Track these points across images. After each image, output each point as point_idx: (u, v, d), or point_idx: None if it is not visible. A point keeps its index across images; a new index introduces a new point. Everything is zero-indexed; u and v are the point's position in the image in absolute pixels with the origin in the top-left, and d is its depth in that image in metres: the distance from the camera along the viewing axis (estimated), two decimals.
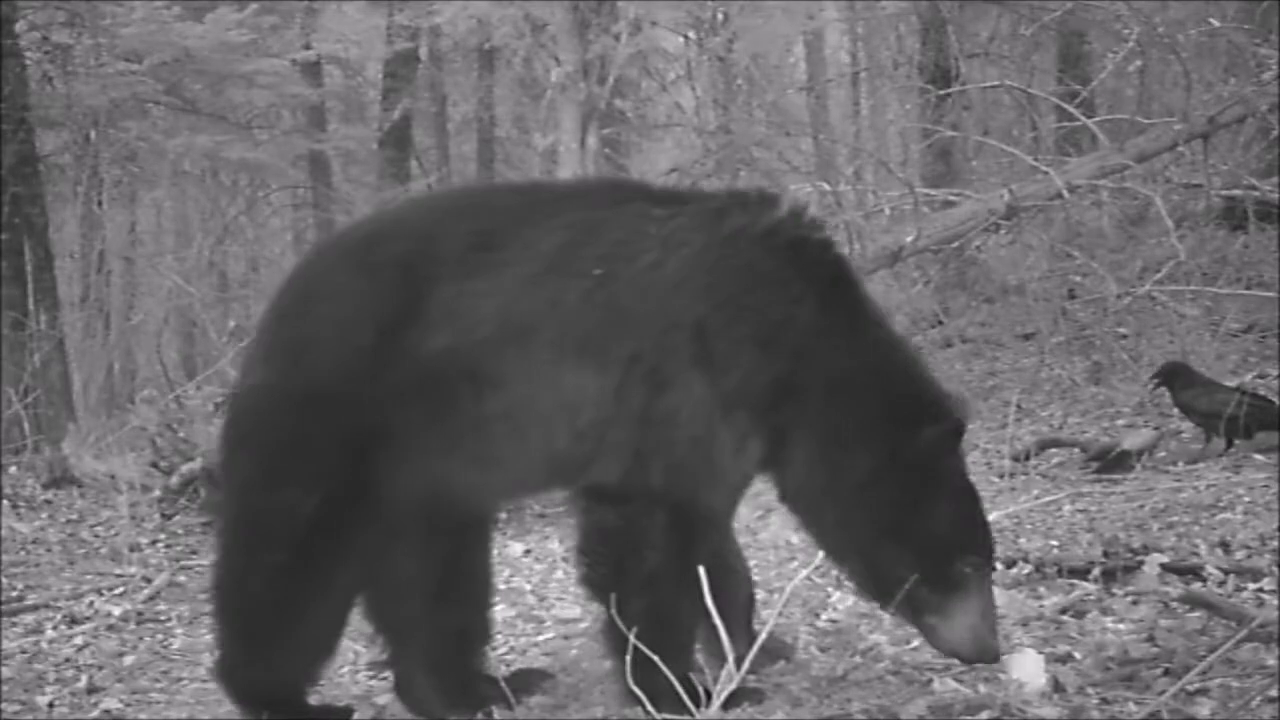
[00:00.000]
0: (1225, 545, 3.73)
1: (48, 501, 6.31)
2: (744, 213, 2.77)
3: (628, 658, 2.47)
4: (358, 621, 3.92)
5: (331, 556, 2.72)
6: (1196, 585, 3.34)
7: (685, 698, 2.44)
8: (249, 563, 2.78)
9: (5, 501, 6.11)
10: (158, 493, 6.06)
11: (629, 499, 2.66)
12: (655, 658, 2.47)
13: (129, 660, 3.79)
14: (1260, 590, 3.28)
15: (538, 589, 4.12)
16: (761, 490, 2.99)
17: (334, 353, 2.71)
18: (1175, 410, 5.92)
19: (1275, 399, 5.50)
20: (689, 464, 2.67)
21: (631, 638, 2.48)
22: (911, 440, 2.66)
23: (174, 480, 6.05)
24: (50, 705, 3.44)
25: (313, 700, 2.97)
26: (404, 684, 2.98)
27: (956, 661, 2.77)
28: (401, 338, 2.67)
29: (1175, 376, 5.39)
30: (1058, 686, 2.67)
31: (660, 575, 2.65)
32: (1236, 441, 5.11)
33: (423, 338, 2.67)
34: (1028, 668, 2.73)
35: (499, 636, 3.61)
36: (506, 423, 2.69)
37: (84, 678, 3.62)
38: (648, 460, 2.65)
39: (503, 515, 5.92)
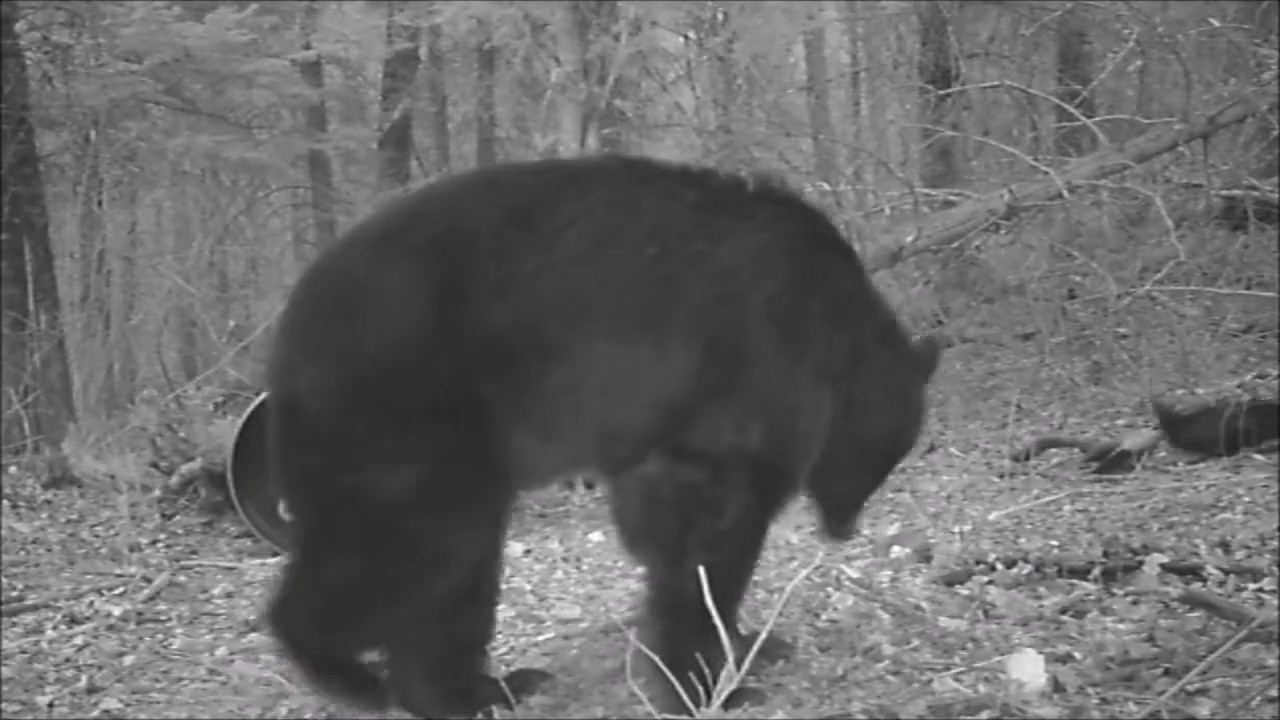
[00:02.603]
0: (1225, 545, 3.73)
1: (48, 501, 6.31)
2: (778, 204, 2.96)
3: (682, 617, 2.58)
4: None
5: (407, 542, 2.72)
6: (1196, 585, 3.33)
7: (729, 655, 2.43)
8: (331, 554, 2.79)
9: (5, 501, 6.11)
10: (158, 493, 6.07)
11: (719, 460, 2.73)
12: (715, 613, 2.48)
13: (129, 660, 3.79)
14: (1260, 590, 3.28)
15: (538, 589, 4.13)
16: None
17: (393, 336, 2.67)
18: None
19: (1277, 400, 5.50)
20: (785, 430, 2.79)
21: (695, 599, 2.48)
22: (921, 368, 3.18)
23: (174, 480, 6.06)
24: (50, 705, 3.44)
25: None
26: (402, 684, 2.97)
27: (957, 661, 2.77)
28: (458, 315, 2.66)
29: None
30: (1058, 686, 2.67)
31: (737, 532, 2.76)
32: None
33: (479, 314, 2.66)
34: (1028, 668, 2.73)
35: (499, 636, 3.62)
36: (570, 396, 2.71)
37: (84, 678, 3.62)
38: (746, 426, 2.74)
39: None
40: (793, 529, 4.33)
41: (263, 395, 5.60)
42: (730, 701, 2.52)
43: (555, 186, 2.85)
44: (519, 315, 2.68)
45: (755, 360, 2.75)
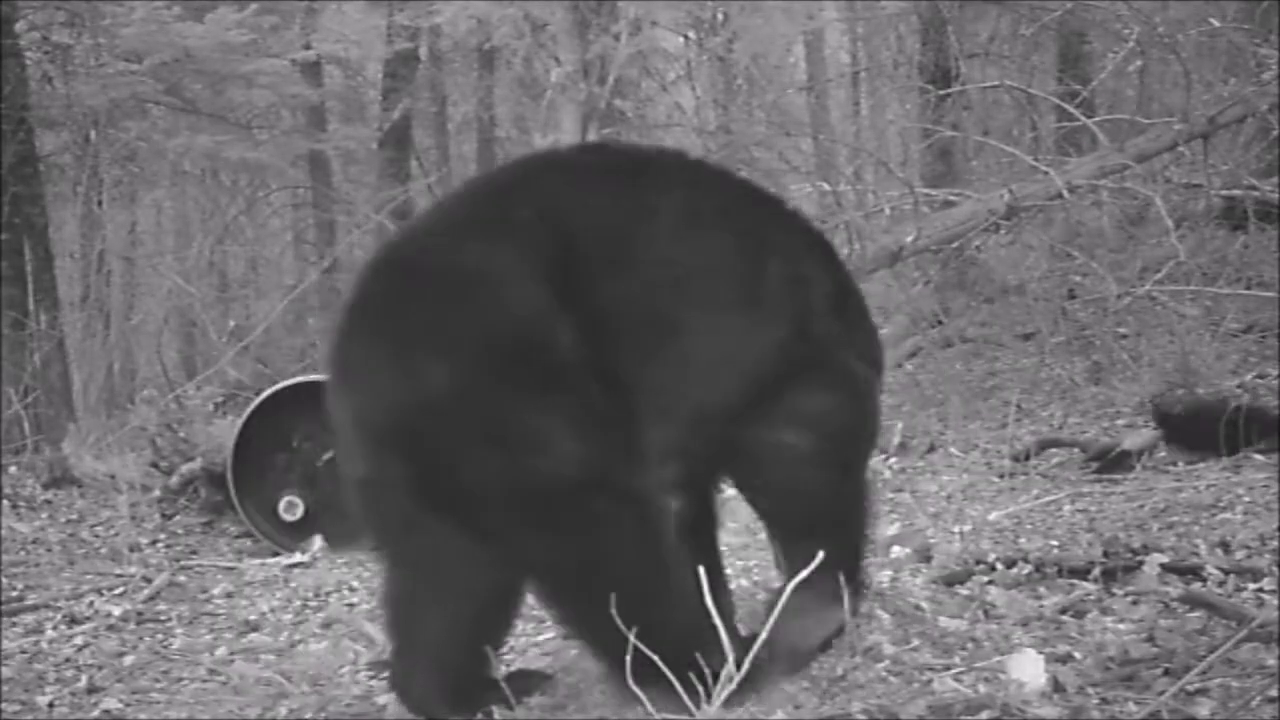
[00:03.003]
0: (1225, 545, 3.72)
1: (48, 501, 6.31)
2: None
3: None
4: (357, 622, 3.95)
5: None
6: (1196, 585, 3.33)
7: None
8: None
9: (5, 501, 6.11)
10: (158, 493, 6.07)
11: (822, 426, 2.87)
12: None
13: (129, 660, 3.78)
14: (1260, 590, 3.28)
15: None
16: None
17: (522, 316, 2.60)
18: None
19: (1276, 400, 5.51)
20: (866, 399, 3.00)
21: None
22: None
23: (174, 480, 6.06)
24: (50, 705, 3.43)
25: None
26: (403, 680, 2.95)
27: (957, 661, 2.77)
28: (576, 289, 2.61)
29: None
30: (1058, 686, 2.67)
31: (855, 493, 3.03)
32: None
33: (596, 287, 2.64)
34: (1028, 668, 2.73)
35: None
36: (681, 369, 2.72)
37: (84, 678, 3.62)
38: (837, 395, 2.91)
39: None
40: None
41: (263, 395, 5.62)
42: (737, 696, 2.52)
43: (623, 166, 2.92)
44: (633, 286, 2.67)
45: (827, 343, 2.89)
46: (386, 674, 3.10)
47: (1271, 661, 2.63)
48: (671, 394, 2.71)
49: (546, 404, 2.57)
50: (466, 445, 2.56)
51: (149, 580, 4.75)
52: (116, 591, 4.63)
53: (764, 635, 2.51)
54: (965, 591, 3.47)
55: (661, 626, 2.51)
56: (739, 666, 2.44)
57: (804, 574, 2.55)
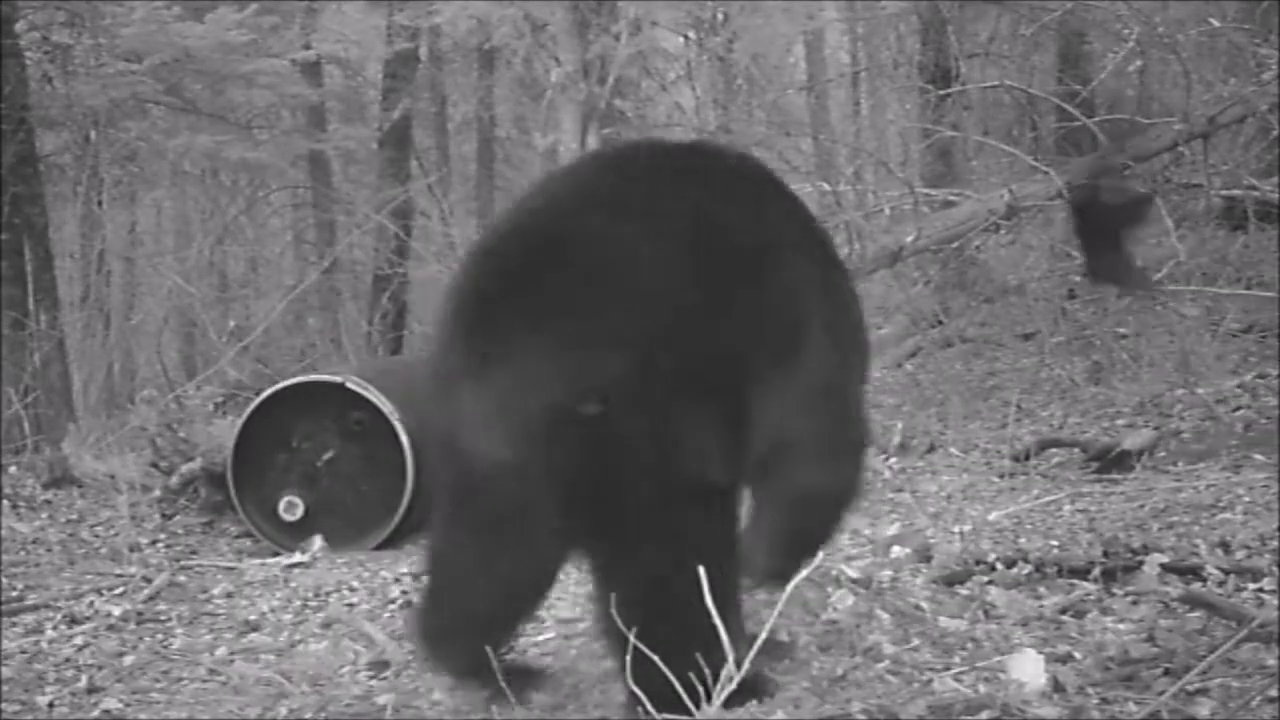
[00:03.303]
0: (1225, 545, 3.73)
1: (48, 501, 6.31)
2: None
3: None
4: (357, 622, 3.95)
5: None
6: (1196, 585, 3.34)
7: None
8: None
9: (5, 501, 6.11)
10: (158, 493, 6.07)
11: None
12: None
13: (129, 660, 3.78)
14: (1260, 590, 3.28)
15: None
16: None
17: (682, 309, 2.56)
18: (1175, 410, 5.93)
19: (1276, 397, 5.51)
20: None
21: None
22: None
23: (174, 480, 6.06)
24: (50, 705, 3.43)
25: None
26: (438, 635, 2.95)
27: (957, 661, 2.77)
28: (724, 289, 2.62)
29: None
30: (1058, 686, 2.67)
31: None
32: None
33: (742, 285, 2.65)
34: (1028, 668, 2.73)
35: None
36: (805, 376, 2.81)
37: (84, 678, 3.62)
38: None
39: None
40: None
41: (263, 395, 5.62)
42: (738, 697, 2.51)
43: (751, 174, 3.02)
44: (776, 290, 2.70)
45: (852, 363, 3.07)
46: (386, 674, 3.10)
47: (1271, 661, 2.63)
48: (774, 407, 2.68)
49: (706, 409, 2.55)
50: (632, 440, 2.50)
51: (149, 580, 4.74)
52: (116, 591, 4.62)
53: (762, 637, 2.51)
54: (965, 591, 3.47)
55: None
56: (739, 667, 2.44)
57: (804, 572, 2.55)
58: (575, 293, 2.55)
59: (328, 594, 4.45)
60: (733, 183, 2.88)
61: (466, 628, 2.88)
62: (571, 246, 2.61)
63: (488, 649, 2.82)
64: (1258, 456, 5.02)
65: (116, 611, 4.29)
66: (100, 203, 10.79)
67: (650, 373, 2.49)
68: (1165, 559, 3.51)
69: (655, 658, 2.44)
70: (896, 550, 3.98)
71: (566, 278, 2.57)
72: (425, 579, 3.09)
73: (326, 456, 5.50)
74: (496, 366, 2.52)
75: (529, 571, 2.84)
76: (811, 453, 2.93)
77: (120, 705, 3.39)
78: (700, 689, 2.44)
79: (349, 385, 5.46)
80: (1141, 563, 3.49)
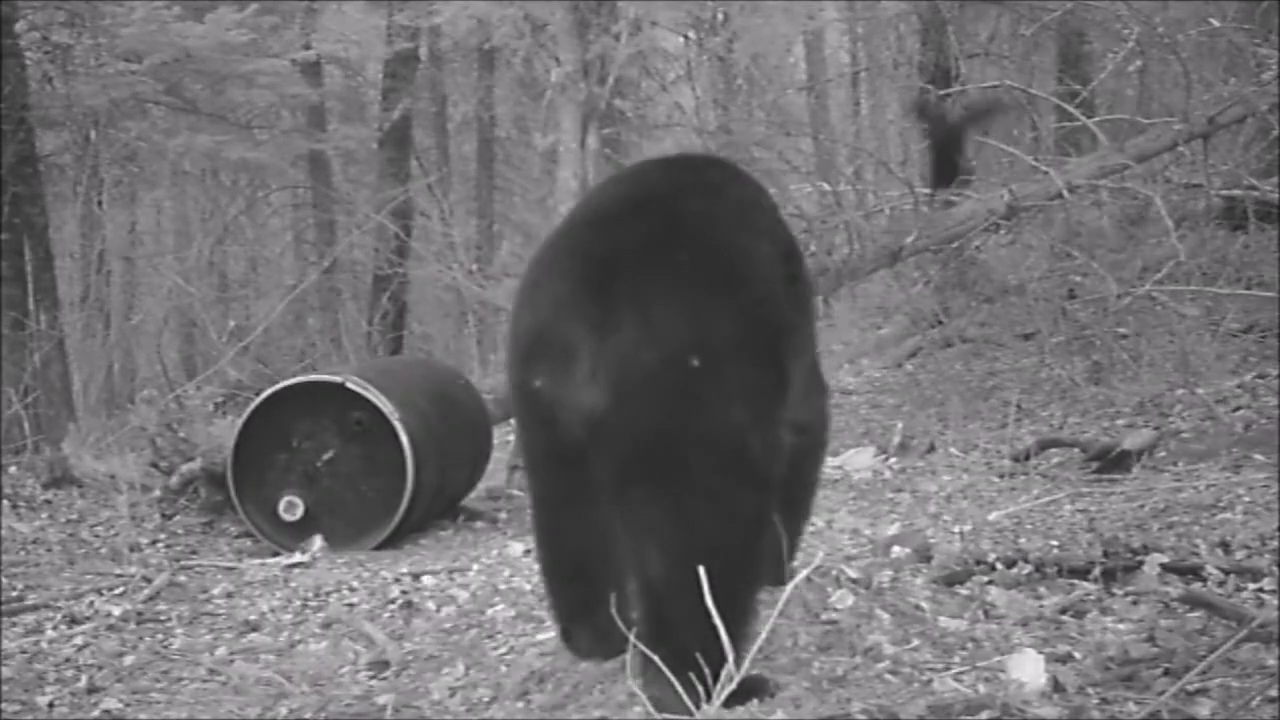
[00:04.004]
0: (1225, 545, 3.73)
1: (48, 501, 6.31)
2: None
3: None
4: (357, 622, 3.95)
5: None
6: (1196, 585, 3.34)
7: None
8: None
9: (5, 501, 6.10)
10: (158, 493, 6.07)
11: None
12: None
13: (129, 660, 3.79)
14: (1260, 590, 3.28)
15: (538, 589, 4.11)
16: None
17: (766, 297, 2.92)
18: (1175, 410, 5.94)
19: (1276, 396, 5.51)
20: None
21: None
22: None
23: (174, 480, 6.06)
24: (50, 705, 3.44)
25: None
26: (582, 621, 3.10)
27: (957, 661, 2.77)
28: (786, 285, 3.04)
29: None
30: (1058, 686, 2.67)
31: None
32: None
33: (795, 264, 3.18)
34: (1028, 668, 2.73)
35: (499, 636, 3.62)
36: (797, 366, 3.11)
37: (84, 678, 3.62)
38: None
39: (504, 514, 5.97)
40: None
41: (263, 395, 5.62)
42: (738, 696, 2.54)
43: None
44: (799, 290, 3.14)
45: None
46: (386, 674, 3.09)
47: (1271, 661, 2.63)
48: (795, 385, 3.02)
49: (780, 376, 2.89)
50: (726, 400, 2.75)
51: (149, 580, 4.74)
52: (116, 591, 4.62)
53: (762, 637, 2.51)
54: (965, 591, 3.47)
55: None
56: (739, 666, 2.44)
57: (804, 573, 2.56)
58: (687, 264, 2.81)
59: (328, 594, 4.45)
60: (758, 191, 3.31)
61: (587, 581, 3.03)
62: (684, 225, 2.91)
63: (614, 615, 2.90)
64: (1258, 456, 5.02)
65: (116, 611, 4.29)
66: (100, 203, 10.80)
67: (740, 336, 2.80)
68: (1165, 559, 3.51)
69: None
70: (896, 550, 3.98)
71: (681, 251, 2.84)
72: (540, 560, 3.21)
73: (326, 456, 5.50)
74: (627, 324, 2.73)
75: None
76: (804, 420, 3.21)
77: (120, 705, 3.39)
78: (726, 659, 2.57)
79: (349, 385, 5.46)
80: (1141, 563, 3.49)
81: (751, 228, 3.04)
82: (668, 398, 2.71)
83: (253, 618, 4.22)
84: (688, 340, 2.72)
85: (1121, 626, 3.08)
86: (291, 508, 5.47)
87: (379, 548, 5.33)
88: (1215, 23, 8.21)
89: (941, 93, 8.98)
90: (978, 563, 3.65)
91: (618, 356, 2.72)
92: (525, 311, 2.93)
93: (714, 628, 2.54)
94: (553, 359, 2.79)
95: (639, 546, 2.78)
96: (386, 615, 4.07)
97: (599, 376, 2.72)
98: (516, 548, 4.76)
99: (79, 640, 4.01)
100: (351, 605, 4.26)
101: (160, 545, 5.53)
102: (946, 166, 6.43)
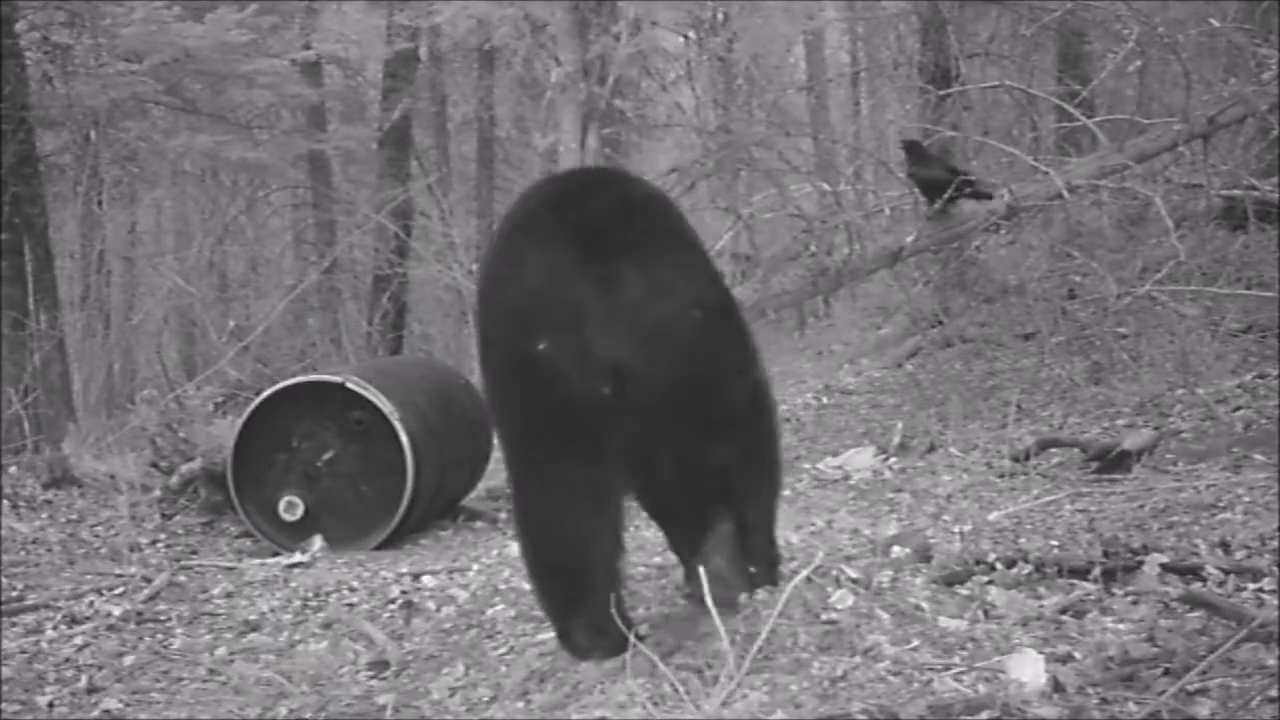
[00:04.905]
0: (1225, 545, 3.72)
1: (48, 501, 6.31)
2: None
3: None
4: (357, 622, 3.95)
5: None
6: (1196, 585, 3.33)
7: None
8: None
9: (5, 501, 6.11)
10: (158, 493, 6.07)
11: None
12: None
13: (129, 660, 3.79)
14: (1260, 590, 3.28)
15: None
16: None
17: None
18: (1175, 410, 5.93)
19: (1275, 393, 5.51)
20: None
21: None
22: None
23: (174, 480, 6.06)
24: (50, 705, 3.44)
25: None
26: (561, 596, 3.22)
27: (957, 661, 2.76)
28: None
29: (910, 151, 7.15)
30: (1058, 686, 2.67)
31: None
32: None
33: None
34: (1028, 668, 2.73)
35: (499, 636, 3.62)
36: None
37: (84, 678, 3.62)
38: None
39: (504, 514, 5.97)
40: (793, 529, 4.33)
41: (263, 395, 5.62)
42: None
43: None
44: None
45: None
46: (386, 674, 3.10)
47: (1271, 661, 2.63)
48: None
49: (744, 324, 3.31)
50: (731, 342, 3.16)
51: (149, 580, 4.75)
52: (116, 591, 4.62)
53: (762, 637, 2.51)
54: (965, 591, 3.47)
55: None
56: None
57: (804, 573, 2.57)
58: (656, 230, 3.08)
59: (328, 594, 4.45)
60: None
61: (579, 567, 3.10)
62: (636, 201, 3.17)
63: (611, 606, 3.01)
64: (1258, 456, 5.00)
65: (116, 611, 4.30)
66: (100, 203, 10.80)
67: (717, 290, 3.17)
68: (1165, 559, 3.51)
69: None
70: (896, 550, 3.98)
71: (644, 220, 3.09)
72: (524, 546, 3.28)
73: (326, 456, 5.50)
74: (630, 280, 2.93)
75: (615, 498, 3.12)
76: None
77: (120, 705, 3.39)
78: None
79: (349, 385, 5.46)
80: (1141, 563, 3.49)
81: (676, 204, 3.37)
82: (687, 342, 2.97)
83: (253, 618, 4.22)
84: (685, 294, 2.99)
85: (1121, 626, 3.08)
86: (291, 508, 5.47)
87: (379, 548, 5.33)
88: (1215, 23, 8.21)
89: (941, 93, 8.98)
90: (978, 563, 3.65)
91: (633, 309, 2.90)
92: (510, 284, 3.00)
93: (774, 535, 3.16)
94: (556, 321, 2.88)
95: (690, 478, 3.11)
96: (386, 615, 4.07)
97: (617, 329, 2.88)
98: (516, 548, 4.75)
99: (79, 640, 4.01)
100: (351, 605, 4.26)
101: (160, 545, 5.53)
102: (936, 186, 6.80)
